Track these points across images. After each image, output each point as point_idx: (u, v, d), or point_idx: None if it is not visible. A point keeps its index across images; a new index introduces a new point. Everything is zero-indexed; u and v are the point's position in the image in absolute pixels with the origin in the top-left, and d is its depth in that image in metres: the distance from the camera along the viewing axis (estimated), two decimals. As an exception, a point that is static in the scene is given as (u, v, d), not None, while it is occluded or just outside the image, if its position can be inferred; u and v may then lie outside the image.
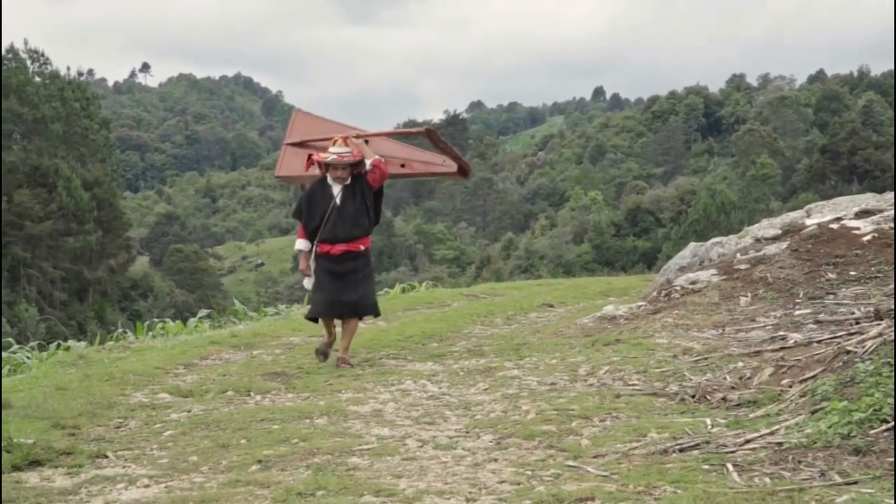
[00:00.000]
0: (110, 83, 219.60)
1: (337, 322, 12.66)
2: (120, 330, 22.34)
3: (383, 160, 11.92)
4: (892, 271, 13.17)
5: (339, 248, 11.87)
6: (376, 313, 12.57)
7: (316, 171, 12.18)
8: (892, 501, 6.04)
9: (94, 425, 9.48)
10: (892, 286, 12.44)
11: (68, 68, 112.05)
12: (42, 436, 8.66)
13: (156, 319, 24.98)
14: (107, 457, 8.32)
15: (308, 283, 12.23)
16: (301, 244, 12.16)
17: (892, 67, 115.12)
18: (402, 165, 12.30)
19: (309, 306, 12.64)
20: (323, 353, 12.37)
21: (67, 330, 33.61)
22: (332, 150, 11.87)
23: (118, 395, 10.92)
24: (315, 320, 12.58)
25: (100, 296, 77.00)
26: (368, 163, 11.88)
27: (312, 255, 12.12)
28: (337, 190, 11.92)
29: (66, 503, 6.98)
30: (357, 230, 11.91)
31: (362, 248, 12.01)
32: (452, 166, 12.31)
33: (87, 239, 75.65)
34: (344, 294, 11.92)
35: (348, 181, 11.92)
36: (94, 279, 76.92)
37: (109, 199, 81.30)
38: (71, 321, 61.81)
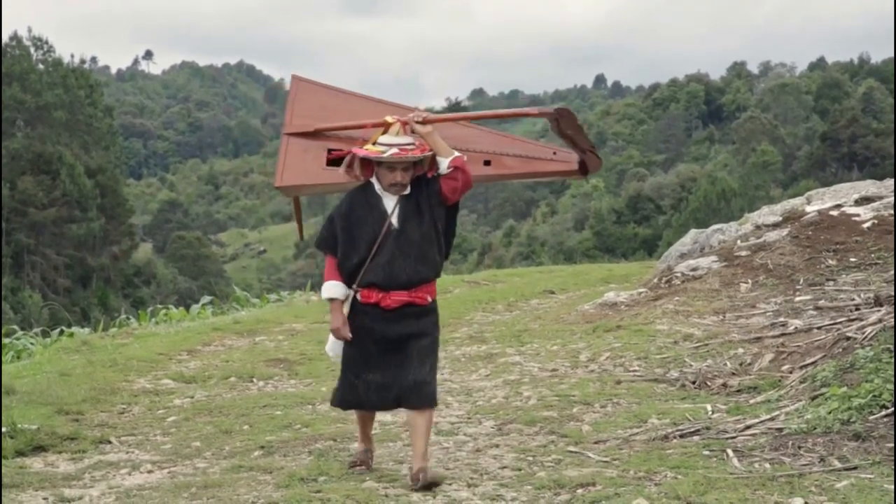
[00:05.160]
0: (113, 71, 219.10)
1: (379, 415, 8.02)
2: (123, 316, 22.42)
3: (465, 157, 7.41)
4: (891, 258, 13.21)
5: (396, 297, 7.16)
6: (435, 402, 7.33)
7: (337, 175, 7.58)
8: (892, 486, 6.08)
9: (97, 411, 9.54)
10: (892, 272, 12.48)
11: (72, 56, 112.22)
12: (46, 421, 8.71)
13: (159, 306, 25.03)
14: (110, 442, 8.38)
15: (335, 349, 7.39)
16: (333, 289, 7.26)
17: (892, 55, 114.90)
18: (488, 163, 7.94)
19: (337, 386, 7.46)
20: (363, 463, 7.42)
21: (71, 316, 33.59)
22: (384, 140, 7.24)
23: (121, 382, 10.97)
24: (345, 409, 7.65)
25: (103, 282, 77.04)
26: (445, 163, 7.22)
27: (347, 307, 7.32)
28: (391, 204, 7.22)
29: (70, 488, 7.02)
30: (425, 269, 7.25)
31: (429, 299, 7.29)
32: (569, 162, 7.91)
33: (91, 226, 75.70)
34: (403, 373, 7.14)
35: (407, 190, 7.24)
36: (97, 266, 76.98)
37: (113, 187, 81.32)
38: (74, 308, 61.79)
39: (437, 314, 7.38)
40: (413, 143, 7.21)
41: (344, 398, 7.30)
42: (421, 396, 7.10)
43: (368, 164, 7.25)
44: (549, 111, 7.66)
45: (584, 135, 7.91)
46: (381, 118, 7.49)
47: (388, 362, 7.14)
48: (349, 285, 7.23)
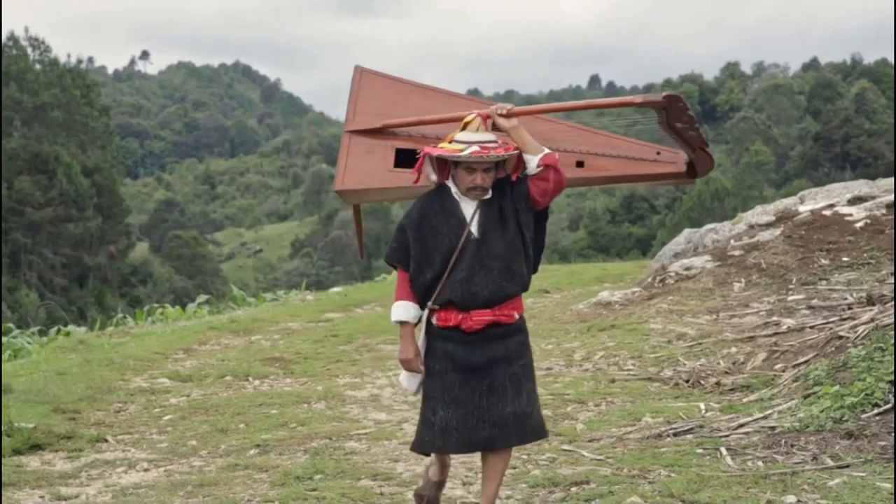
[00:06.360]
0: (110, 71, 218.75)
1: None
2: (120, 315, 22.49)
3: (557, 156, 6.27)
4: (884, 257, 13.27)
5: (479, 317, 6.04)
6: (545, 433, 6.28)
7: (406, 178, 6.54)
8: (885, 484, 6.12)
9: (94, 410, 9.56)
10: (884, 272, 12.53)
11: (68, 56, 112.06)
12: (43, 420, 8.74)
13: (155, 305, 25.07)
14: (107, 441, 8.41)
15: (412, 381, 6.16)
16: (403, 311, 6.14)
17: (885, 56, 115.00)
18: (580, 164, 6.81)
19: (418, 429, 6.16)
20: (429, 502, 6.38)
21: (68, 315, 33.62)
22: (462, 137, 6.12)
23: (118, 380, 11.00)
24: (427, 453, 6.37)
25: (100, 281, 76.93)
26: (535, 161, 6.12)
27: (422, 331, 6.19)
28: (470, 210, 6.13)
29: (67, 486, 7.06)
30: (510, 284, 6.09)
31: (516, 316, 6.14)
32: (675, 163, 6.86)
33: (88, 225, 75.61)
34: (493, 407, 6.02)
35: (489, 194, 6.15)
36: (94, 265, 76.89)
37: (109, 186, 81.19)
38: (71, 307, 61.75)
39: (527, 333, 6.23)
40: (495, 141, 6.09)
41: (421, 439, 6.08)
42: (525, 430, 6.06)
43: (444, 166, 6.19)
44: (656, 99, 6.49)
45: (696, 128, 6.66)
46: (455, 112, 6.50)
47: (472, 395, 6.01)
48: (423, 305, 6.13)
